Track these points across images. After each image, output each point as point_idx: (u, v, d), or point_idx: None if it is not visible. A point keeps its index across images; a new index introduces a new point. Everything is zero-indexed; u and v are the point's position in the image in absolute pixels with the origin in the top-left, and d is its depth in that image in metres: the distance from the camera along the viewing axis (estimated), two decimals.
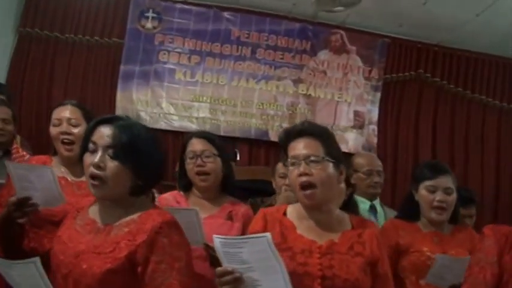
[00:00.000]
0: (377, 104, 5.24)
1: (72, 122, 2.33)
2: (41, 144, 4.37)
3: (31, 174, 2.05)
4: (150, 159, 1.67)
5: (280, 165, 3.42)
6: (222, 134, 4.94)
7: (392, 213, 3.47)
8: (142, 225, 1.59)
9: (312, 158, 1.81)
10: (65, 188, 2.14)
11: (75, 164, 2.21)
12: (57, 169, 2.31)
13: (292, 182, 1.87)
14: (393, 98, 5.35)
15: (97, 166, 1.60)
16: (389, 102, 5.32)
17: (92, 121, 1.72)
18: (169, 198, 2.44)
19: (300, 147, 1.85)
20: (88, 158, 1.64)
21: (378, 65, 5.30)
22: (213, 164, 2.43)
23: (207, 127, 4.93)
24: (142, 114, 4.92)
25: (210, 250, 2.14)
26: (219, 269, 1.65)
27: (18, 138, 3.80)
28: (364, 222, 1.97)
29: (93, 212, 1.72)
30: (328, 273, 1.75)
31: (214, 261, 2.11)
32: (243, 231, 2.33)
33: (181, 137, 4.81)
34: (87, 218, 1.71)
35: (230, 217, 2.42)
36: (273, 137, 4.98)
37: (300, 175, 1.81)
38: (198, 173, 2.41)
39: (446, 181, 2.47)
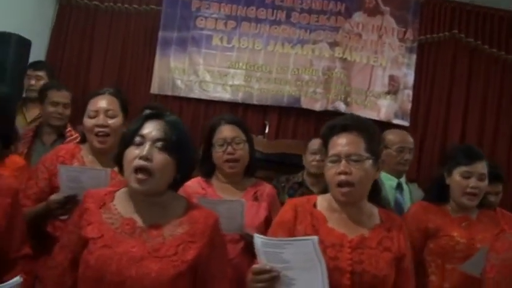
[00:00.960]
0: (412, 67, 5.17)
1: (109, 114, 2.30)
2: (76, 115, 4.52)
3: (83, 175, 2.10)
4: (191, 154, 1.74)
5: (313, 141, 3.50)
6: (254, 102, 5.03)
7: (417, 190, 3.53)
8: (197, 225, 1.67)
9: (353, 158, 1.81)
10: None
11: (105, 154, 2.27)
12: (85, 158, 2.33)
13: (329, 178, 1.87)
14: (428, 61, 5.28)
15: (145, 158, 1.60)
16: (424, 65, 5.26)
17: (140, 117, 1.74)
18: (194, 186, 2.44)
19: (342, 144, 1.84)
20: (133, 151, 1.64)
21: (412, 25, 5.22)
22: (242, 150, 2.45)
23: (240, 95, 5.02)
24: (178, 82, 5.00)
25: (247, 237, 2.19)
26: (255, 266, 1.68)
27: None
28: (392, 216, 1.98)
29: (125, 210, 1.69)
30: (357, 269, 1.77)
31: (251, 247, 2.22)
32: (269, 211, 2.43)
33: (213, 107, 4.98)
34: (121, 218, 1.67)
35: (255, 198, 2.47)
36: (305, 104, 5.01)
37: (339, 173, 1.81)
38: (228, 161, 2.42)
39: (482, 167, 2.47)
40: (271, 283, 1.66)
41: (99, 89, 2.45)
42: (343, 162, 1.81)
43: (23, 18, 4.42)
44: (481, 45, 5.34)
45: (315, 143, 3.47)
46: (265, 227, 2.31)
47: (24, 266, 1.86)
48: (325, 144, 1.91)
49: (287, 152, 4.23)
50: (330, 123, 1.94)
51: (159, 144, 1.64)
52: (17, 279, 1.54)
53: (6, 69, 4.18)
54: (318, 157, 3.39)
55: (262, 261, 1.67)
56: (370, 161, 1.84)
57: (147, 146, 1.62)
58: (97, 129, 2.27)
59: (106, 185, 2.04)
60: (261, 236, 1.69)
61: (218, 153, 2.43)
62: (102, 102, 2.31)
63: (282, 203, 2.21)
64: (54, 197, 2.11)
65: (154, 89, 4.98)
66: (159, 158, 1.62)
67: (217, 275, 1.70)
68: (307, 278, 1.63)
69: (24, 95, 4.03)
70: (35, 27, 4.60)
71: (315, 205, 1.94)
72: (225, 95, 5.02)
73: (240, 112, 5.00)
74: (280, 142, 4.68)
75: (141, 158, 1.61)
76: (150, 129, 1.66)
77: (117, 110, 2.33)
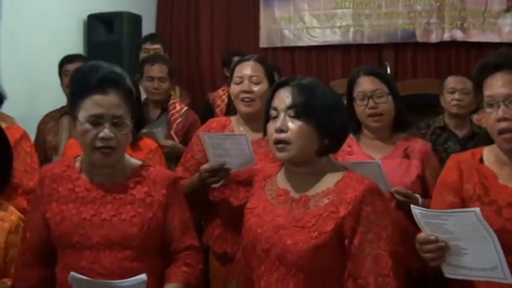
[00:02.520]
0: None
1: (254, 80, 2.31)
2: (192, 81, 4.55)
3: (226, 142, 2.13)
4: (333, 115, 1.63)
5: (449, 79, 3.26)
6: (366, 42, 4.90)
7: None
8: (343, 195, 1.55)
9: None
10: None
11: (255, 121, 2.28)
12: (235, 128, 2.37)
13: (489, 126, 1.66)
14: None
15: (279, 130, 1.58)
16: None
17: (270, 89, 1.72)
18: None
19: (497, 85, 1.61)
20: (271, 126, 1.63)
21: None
22: (386, 104, 2.31)
23: (351, 36, 4.90)
24: (286, 32, 4.98)
25: (397, 194, 2.13)
26: (420, 236, 1.55)
27: (177, 89, 3.97)
28: None
29: (282, 181, 1.70)
30: None
31: (402, 205, 2.12)
32: (422, 169, 2.30)
33: (324, 52, 4.91)
34: (277, 188, 1.69)
35: (406, 155, 2.34)
36: (420, 37, 4.78)
37: (499, 120, 1.60)
38: (371, 115, 2.32)
39: None
40: (441, 253, 1.51)
41: (245, 55, 2.50)
42: (502, 106, 1.59)
43: None
44: None
45: (451, 81, 3.22)
46: (419, 186, 2.27)
47: (186, 259, 1.84)
48: (480, 87, 1.69)
49: (417, 92, 3.92)
50: (481, 62, 1.71)
51: (291, 112, 1.60)
52: (142, 276, 1.58)
53: (123, 48, 4.33)
54: (456, 95, 3.15)
55: (425, 231, 1.53)
56: None
57: (281, 117, 1.61)
58: (242, 95, 2.31)
59: (250, 151, 2.10)
60: (419, 207, 1.56)
61: (360, 108, 2.34)
62: (246, 69, 2.34)
63: None
64: (204, 166, 2.18)
65: (263, 42, 4.99)
66: (293, 126, 1.58)
67: (364, 252, 1.51)
68: (480, 248, 1.48)
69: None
70: (142, 2, 4.62)
71: (481, 160, 1.73)
72: (335, 37, 4.93)
73: (353, 54, 4.92)
74: (407, 83, 4.38)
75: (276, 131, 1.60)
76: (280, 99, 1.63)
77: (261, 77, 2.34)
